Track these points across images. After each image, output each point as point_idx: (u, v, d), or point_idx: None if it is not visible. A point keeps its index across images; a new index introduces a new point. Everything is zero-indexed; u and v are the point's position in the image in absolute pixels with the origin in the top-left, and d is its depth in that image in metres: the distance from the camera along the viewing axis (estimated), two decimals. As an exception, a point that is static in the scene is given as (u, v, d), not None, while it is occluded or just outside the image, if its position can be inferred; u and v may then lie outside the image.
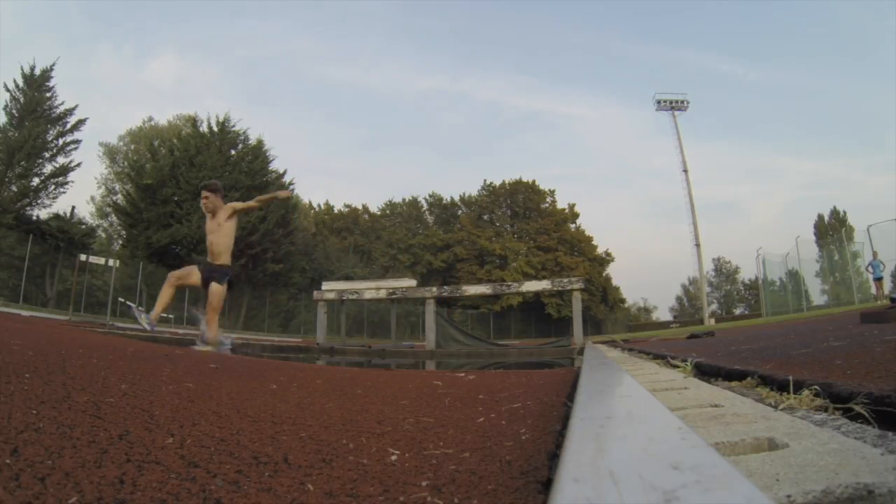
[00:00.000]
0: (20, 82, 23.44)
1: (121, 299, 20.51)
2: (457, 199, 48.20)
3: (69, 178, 24.21)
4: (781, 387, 1.49)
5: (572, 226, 47.75)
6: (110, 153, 38.67)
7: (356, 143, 77.61)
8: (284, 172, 30.42)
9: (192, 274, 4.69)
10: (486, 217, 47.39)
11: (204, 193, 4.86)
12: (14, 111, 23.25)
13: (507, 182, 47.85)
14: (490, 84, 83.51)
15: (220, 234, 4.82)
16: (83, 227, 25.00)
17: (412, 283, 10.43)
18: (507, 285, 10.11)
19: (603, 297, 46.60)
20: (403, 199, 47.65)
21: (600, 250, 47.92)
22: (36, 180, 23.19)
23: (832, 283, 25.37)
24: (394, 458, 0.98)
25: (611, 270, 49.02)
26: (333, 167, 77.70)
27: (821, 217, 49.95)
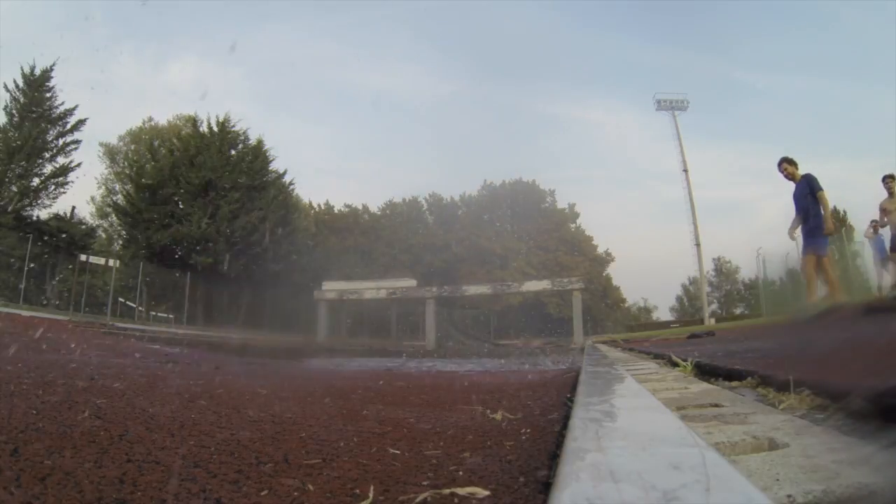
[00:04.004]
0: (20, 82, 23.43)
1: (121, 299, 20.53)
2: (457, 198, 48.21)
3: (69, 179, 24.17)
4: (782, 387, 1.49)
5: (572, 226, 47.76)
6: (110, 153, 38.64)
7: (356, 144, 77.50)
8: (284, 172, 30.44)
9: None
10: (486, 217, 47.39)
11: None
12: (14, 111, 23.23)
13: (507, 182, 47.89)
14: (489, 84, 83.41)
15: None
16: (83, 227, 24.98)
17: (412, 283, 10.44)
18: (507, 285, 10.10)
19: (603, 297, 46.58)
20: (403, 199, 47.60)
21: (600, 250, 47.92)
22: (36, 180, 23.16)
23: (833, 283, 25.25)
24: (394, 458, 0.98)
25: (611, 270, 48.95)
26: (334, 168, 77.51)
27: (821, 216, 49.69)
